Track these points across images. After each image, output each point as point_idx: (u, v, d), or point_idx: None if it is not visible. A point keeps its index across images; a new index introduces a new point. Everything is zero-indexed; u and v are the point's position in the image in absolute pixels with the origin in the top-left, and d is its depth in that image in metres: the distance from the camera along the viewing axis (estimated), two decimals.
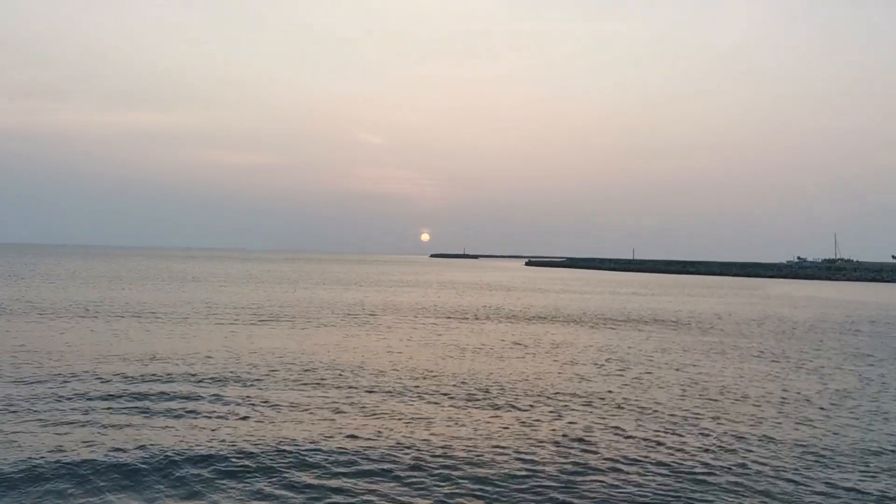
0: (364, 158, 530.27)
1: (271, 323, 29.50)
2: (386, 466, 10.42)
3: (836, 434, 12.97)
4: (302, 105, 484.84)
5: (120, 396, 14.40)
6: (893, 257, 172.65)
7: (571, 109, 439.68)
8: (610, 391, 16.48)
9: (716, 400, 15.82)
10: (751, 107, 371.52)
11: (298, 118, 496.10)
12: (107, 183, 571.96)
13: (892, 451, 12.00)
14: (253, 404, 14.05)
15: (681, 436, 12.53)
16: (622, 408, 14.71)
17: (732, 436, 12.60)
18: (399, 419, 13.19)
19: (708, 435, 12.62)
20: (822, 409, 15.19)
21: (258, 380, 16.59)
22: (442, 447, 11.41)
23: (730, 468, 10.77)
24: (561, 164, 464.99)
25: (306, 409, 13.73)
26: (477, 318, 34.52)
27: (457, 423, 12.98)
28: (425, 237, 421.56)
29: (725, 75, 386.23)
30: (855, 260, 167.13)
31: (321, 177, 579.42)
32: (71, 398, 14.10)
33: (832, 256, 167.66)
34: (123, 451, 10.70)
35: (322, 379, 16.99)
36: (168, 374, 16.93)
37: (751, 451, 11.70)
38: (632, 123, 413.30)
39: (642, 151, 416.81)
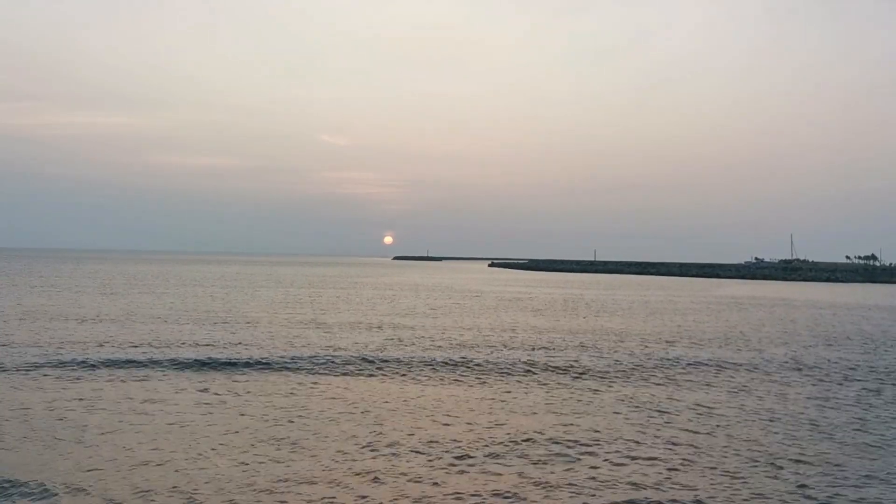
0: (329, 160, 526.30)
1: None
2: None
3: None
4: (266, 107, 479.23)
5: None
6: (847, 258, 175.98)
7: (534, 114, 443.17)
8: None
9: None
10: (709, 108, 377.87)
11: (263, 120, 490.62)
12: (68, 185, 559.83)
13: None
14: None
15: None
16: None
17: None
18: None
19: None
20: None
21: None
22: None
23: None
24: (524, 167, 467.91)
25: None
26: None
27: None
28: (388, 239, 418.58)
29: (683, 76, 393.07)
30: (810, 260, 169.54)
31: (286, 178, 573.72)
32: None
33: (788, 257, 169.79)
34: None
35: None
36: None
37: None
38: (594, 126, 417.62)
39: (604, 154, 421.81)
